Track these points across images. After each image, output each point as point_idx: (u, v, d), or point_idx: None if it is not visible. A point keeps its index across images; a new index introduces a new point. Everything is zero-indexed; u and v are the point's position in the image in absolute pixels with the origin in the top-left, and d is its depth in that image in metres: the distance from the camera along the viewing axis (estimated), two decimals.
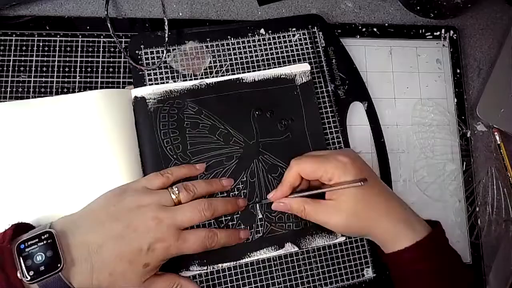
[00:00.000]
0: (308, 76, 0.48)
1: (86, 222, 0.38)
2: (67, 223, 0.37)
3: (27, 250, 0.34)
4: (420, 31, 0.53)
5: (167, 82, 0.47)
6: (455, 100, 0.52)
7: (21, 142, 0.42)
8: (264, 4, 0.52)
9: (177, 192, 0.40)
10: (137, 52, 0.47)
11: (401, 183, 0.49)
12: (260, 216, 0.45)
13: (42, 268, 0.34)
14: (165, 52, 0.47)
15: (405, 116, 0.51)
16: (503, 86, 0.52)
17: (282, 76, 0.48)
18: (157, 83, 0.47)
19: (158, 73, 0.47)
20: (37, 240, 0.35)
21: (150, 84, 0.47)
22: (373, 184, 0.41)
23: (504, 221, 0.50)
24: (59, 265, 0.34)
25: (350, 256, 0.45)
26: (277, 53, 0.49)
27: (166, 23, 0.47)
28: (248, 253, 0.44)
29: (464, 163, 0.50)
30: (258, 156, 0.46)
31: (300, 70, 0.48)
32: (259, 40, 0.49)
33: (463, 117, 0.52)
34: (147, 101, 0.46)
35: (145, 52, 0.47)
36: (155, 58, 0.47)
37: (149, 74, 0.47)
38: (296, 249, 0.44)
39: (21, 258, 0.34)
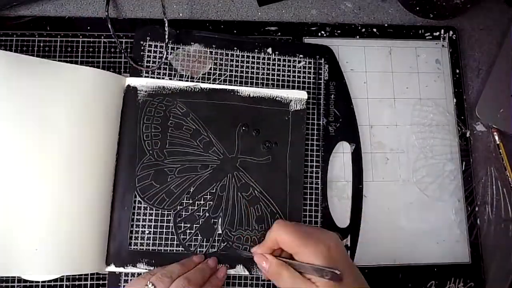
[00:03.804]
0: (303, 105, 0.48)
1: None
2: None
3: None
4: (420, 32, 0.53)
5: (163, 78, 0.47)
6: (455, 100, 0.52)
7: (3, 91, 0.41)
8: (264, 5, 0.52)
9: (152, 287, 0.38)
10: (141, 42, 0.48)
11: (400, 183, 0.49)
12: (220, 231, 0.44)
13: None
14: (164, 52, 0.47)
15: (404, 116, 0.51)
16: (503, 86, 0.52)
17: (277, 99, 0.48)
18: (153, 77, 0.47)
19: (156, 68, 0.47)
20: None
21: (146, 77, 0.47)
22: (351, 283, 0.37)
23: (504, 220, 0.50)
24: None
25: None
26: (278, 75, 0.49)
27: (166, 24, 0.47)
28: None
29: (464, 163, 0.50)
30: (234, 171, 0.46)
31: (296, 96, 0.48)
32: (264, 58, 0.49)
33: (462, 117, 0.52)
34: (138, 92, 0.46)
35: (149, 45, 0.47)
36: (158, 52, 0.47)
37: (147, 66, 0.47)
38: (247, 273, 0.44)
39: None
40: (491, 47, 0.55)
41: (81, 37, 0.48)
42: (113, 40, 0.48)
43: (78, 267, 0.41)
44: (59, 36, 0.47)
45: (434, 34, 0.53)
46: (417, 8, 0.53)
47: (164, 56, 0.47)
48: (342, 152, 0.49)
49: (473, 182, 0.50)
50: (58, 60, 0.47)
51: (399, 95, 0.51)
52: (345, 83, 0.50)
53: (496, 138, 0.51)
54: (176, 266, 0.41)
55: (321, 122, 0.49)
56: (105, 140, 0.44)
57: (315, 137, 0.48)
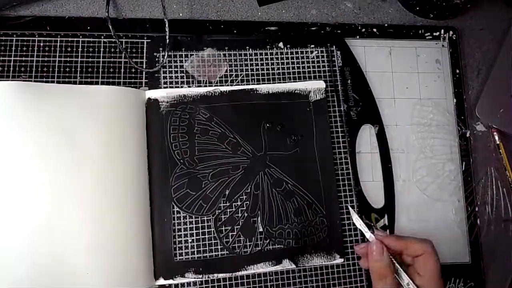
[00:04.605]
0: (322, 94, 0.48)
1: None
2: None
3: None
4: (420, 32, 0.53)
5: (182, 87, 0.47)
6: (455, 100, 0.52)
7: (33, 122, 0.42)
8: (264, 5, 0.52)
9: None
10: (155, 54, 0.48)
11: (400, 183, 0.49)
12: (261, 229, 0.45)
13: None
14: (166, 55, 0.47)
15: (404, 116, 0.51)
16: (503, 86, 0.52)
17: (296, 91, 0.48)
18: (172, 87, 0.47)
19: (173, 77, 0.47)
20: None
21: (165, 87, 0.47)
22: None
23: (504, 221, 0.50)
24: None
25: (346, 278, 0.45)
26: (293, 68, 0.49)
27: (167, 24, 0.47)
28: (245, 266, 0.44)
29: (464, 163, 0.50)
30: (265, 168, 0.46)
31: (314, 87, 0.48)
32: (276, 54, 0.49)
33: (462, 117, 0.52)
34: (160, 103, 0.46)
35: (163, 55, 0.47)
36: (172, 61, 0.48)
37: (164, 77, 0.47)
38: (293, 266, 0.44)
39: None
40: (491, 47, 0.55)
41: (81, 37, 0.48)
42: (113, 40, 0.48)
43: (128, 285, 0.41)
44: (59, 36, 0.47)
45: (434, 34, 0.53)
46: (417, 8, 0.53)
47: (166, 55, 0.47)
48: (368, 135, 0.49)
49: (473, 182, 0.50)
50: (59, 61, 0.47)
51: (399, 95, 0.51)
52: (359, 67, 0.51)
53: (496, 138, 0.51)
54: None
55: (342, 109, 0.49)
56: (134, 155, 0.43)
57: (338, 124, 0.49)
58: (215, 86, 0.48)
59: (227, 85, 0.48)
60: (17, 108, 0.42)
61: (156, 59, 0.48)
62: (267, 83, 0.49)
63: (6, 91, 0.42)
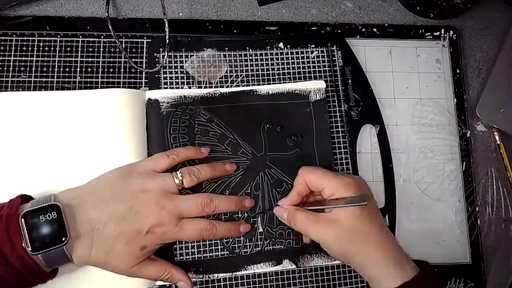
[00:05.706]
0: (322, 94, 0.48)
1: (91, 198, 0.38)
2: (73, 197, 0.38)
3: (33, 220, 0.34)
4: (420, 31, 0.53)
5: (182, 87, 0.47)
6: (455, 100, 0.52)
7: (39, 130, 0.43)
8: (264, 4, 0.52)
9: (180, 177, 0.41)
10: (155, 54, 0.48)
11: (400, 183, 0.49)
12: (261, 229, 0.45)
13: (47, 240, 0.34)
14: (166, 56, 0.47)
15: (405, 116, 0.51)
16: (503, 86, 0.52)
17: (296, 92, 0.48)
18: (172, 87, 0.47)
19: (174, 78, 0.47)
20: (43, 212, 0.35)
21: (165, 88, 0.47)
22: (373, 212, 0.41)
23: (504, 221, 0.50)
24: (64, 238, 0.35)
25: (346, 279, 0.45)
26: (293, 68, 0.49)
27: (166, 24, 0.47)
28: (245, 266, 0.44)
29: (464, 163, 0.50)
30: (265, 169, 0.46)
31: (315, 87, 0.48)
32: (277, 54, 0.49)
33: (462, 117, 0.52)
34: (160, 104, 0.46)
35: (163, 56, 0.47)
36: (172, 62, 0.48)
37: (164, 78, 0.47)
38: (294, 266, 0.44)
39: (27, 228, 0.34)
40: (492, 47, 0.55)
41: (80, 37, 0.48)
42: (112, 40, 0.48)
43: (128, 284, 0.41)
44: (58, 36, 0.47)
45: (435, 34, 0.53)
46: (418, 8, 0.53)
47: (166, 56, 0.47)
48: (369, 135, 0.49)
49: (474, 182, 0.50)
50: (58, 61, 0.47)
51: (399, 95, 0.51)
52: (360, 66, 0.51)
53: (497, 138, 0.51)
54: (207, 168, 0.42)
55: (342, 108, 0.49)
56: (135, 156, 0.43)
57: (339, 124, 0.48)
58: (215, 87, 0.48)
59: (227, 86, 0.48)
60: (21, 118, 0.43)
61: (156, 60, 0.48)
62: (267, 84, 0.48)
63: (8, 101, 0.43)
